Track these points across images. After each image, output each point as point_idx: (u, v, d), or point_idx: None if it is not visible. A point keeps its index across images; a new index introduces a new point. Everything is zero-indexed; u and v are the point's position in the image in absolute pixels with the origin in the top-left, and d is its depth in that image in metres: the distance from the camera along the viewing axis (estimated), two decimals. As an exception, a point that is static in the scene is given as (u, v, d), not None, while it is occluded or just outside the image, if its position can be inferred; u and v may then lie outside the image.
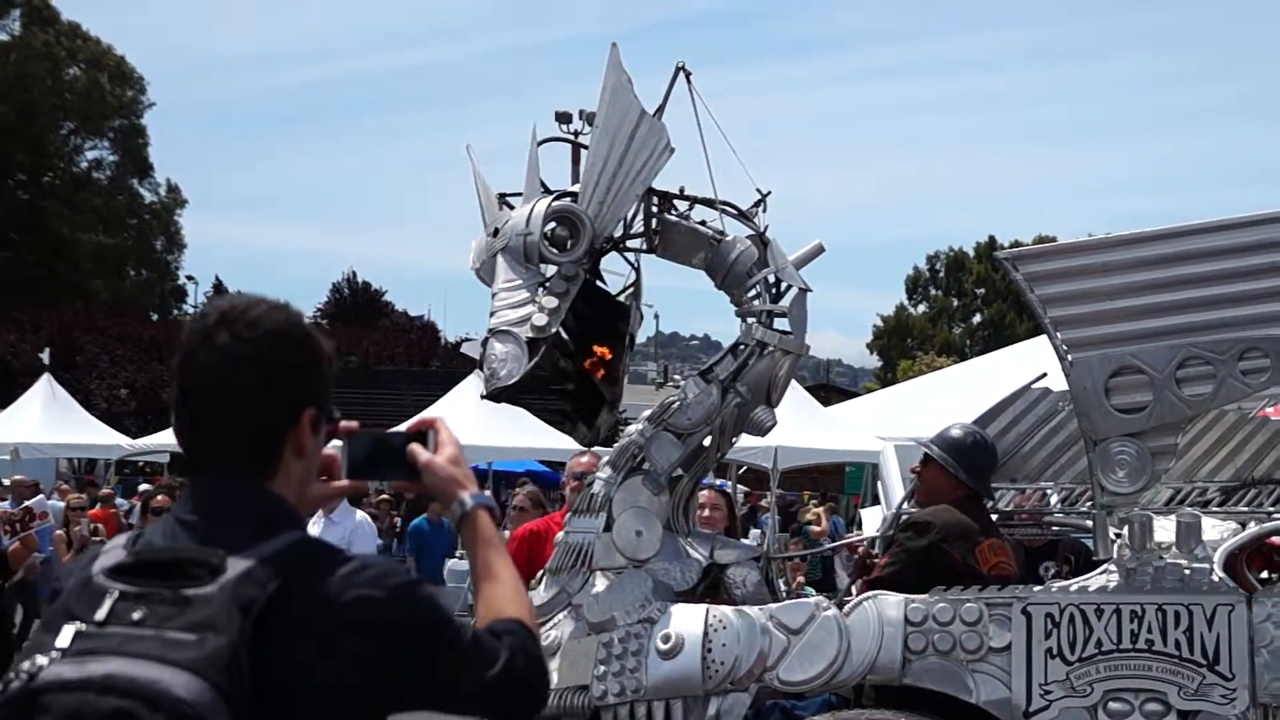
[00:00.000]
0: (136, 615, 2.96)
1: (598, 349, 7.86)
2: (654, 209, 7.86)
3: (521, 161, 7.95)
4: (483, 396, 7.93)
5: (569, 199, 7.68)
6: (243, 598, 2.96)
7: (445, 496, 3.55)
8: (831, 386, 69.78)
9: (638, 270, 8.03)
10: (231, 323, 3.17)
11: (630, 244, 8.01)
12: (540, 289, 7.60)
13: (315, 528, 14.35)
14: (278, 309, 3.25)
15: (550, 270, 7.62)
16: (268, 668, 2.96)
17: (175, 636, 2.91)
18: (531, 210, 7.66)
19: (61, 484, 30.26)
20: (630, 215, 7.84)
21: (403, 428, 3.71)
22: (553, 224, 7.61)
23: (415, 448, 3.56)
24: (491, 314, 7.65)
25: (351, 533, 14.01)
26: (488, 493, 3.64)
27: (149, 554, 3.10)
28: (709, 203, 7.88)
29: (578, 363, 7.84)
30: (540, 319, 7.51)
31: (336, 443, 3.52)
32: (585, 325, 7.93)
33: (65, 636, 2.96)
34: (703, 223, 7.87)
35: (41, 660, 2.92)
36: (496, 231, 7.75)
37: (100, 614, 2.97)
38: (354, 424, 3.52)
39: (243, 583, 2.98)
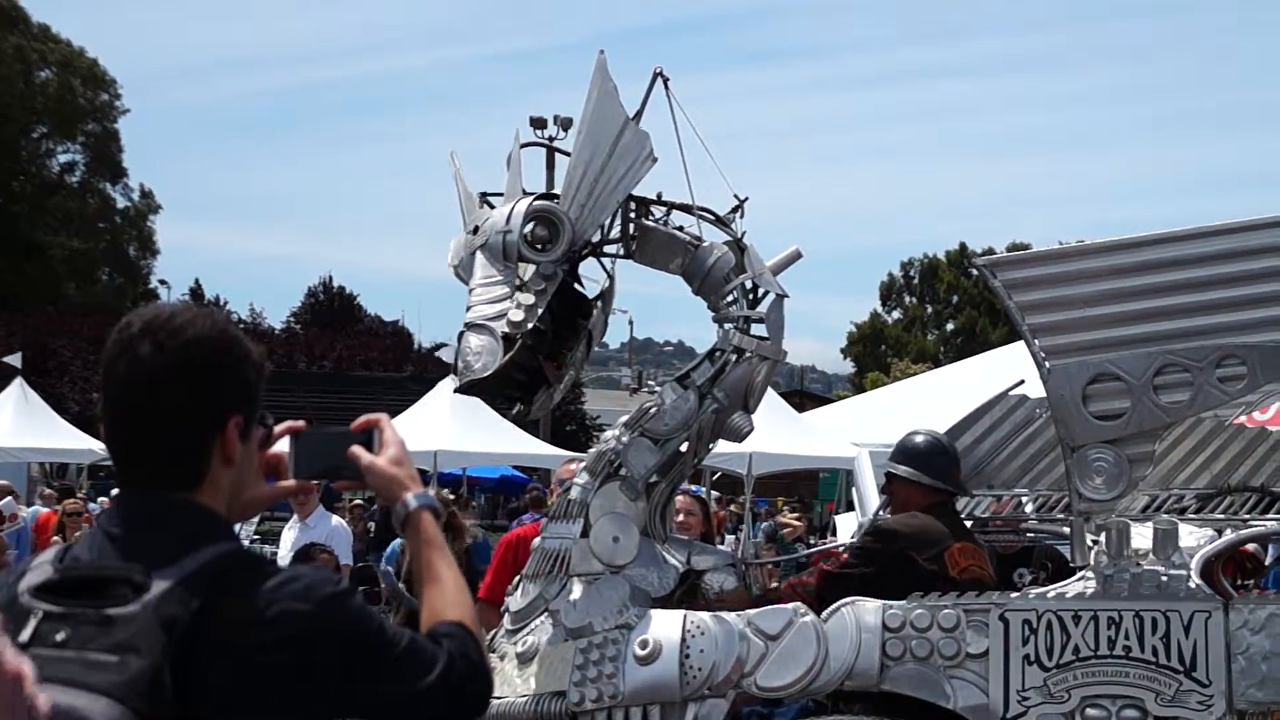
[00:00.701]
0: (60, 636, 2.92)
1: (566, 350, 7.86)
2: (631, 214, 7.84)
3: (498, 167, 7.93)
4: (456, 390, 7.88)
5: (550, 200, 7.65)
6: (166, 616, 2.93)
7: (388, 497, 3.53)
8: (806, 393, 69.94)
9: (612, 277, 7.99)
10: (154, 332, 3.14)
11: (607, 249, 7.97)
12: (518, 287, 7.56)
13: (291, 532, 14.28)
14: (202, 316, 3.22)
15: (527, 270, 7.58)
16: (193, 687, 2.93)
17: (97, 658, 2.88)
18: (512, 209, 7.63)
19: (44, 489, 30.15)
20: (609, 221, 7.80)
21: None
22: (533, 223, 7.57)
23: (357, 449, 3.54)
24: (468, 309, 7.63)
25: (327, 537, 13.89)
26: (431, 492, 3.63)
27: (74, 571, 3.06)
28: (686, 208, 7.86)
29: (548, 362, 7.79)
30: (517, 315, 7.47)
31: (285, 443, 3.51)
32: (560, 327, 7.90)
33: None
34: (680, 228, 7.85)
35: None
36: (476, 229, 7.71)
37: (24, 635, 2.93)
38: (300, 424, 3.52)
39: (166, 601, 2.95)
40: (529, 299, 7.49)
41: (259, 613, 3.00)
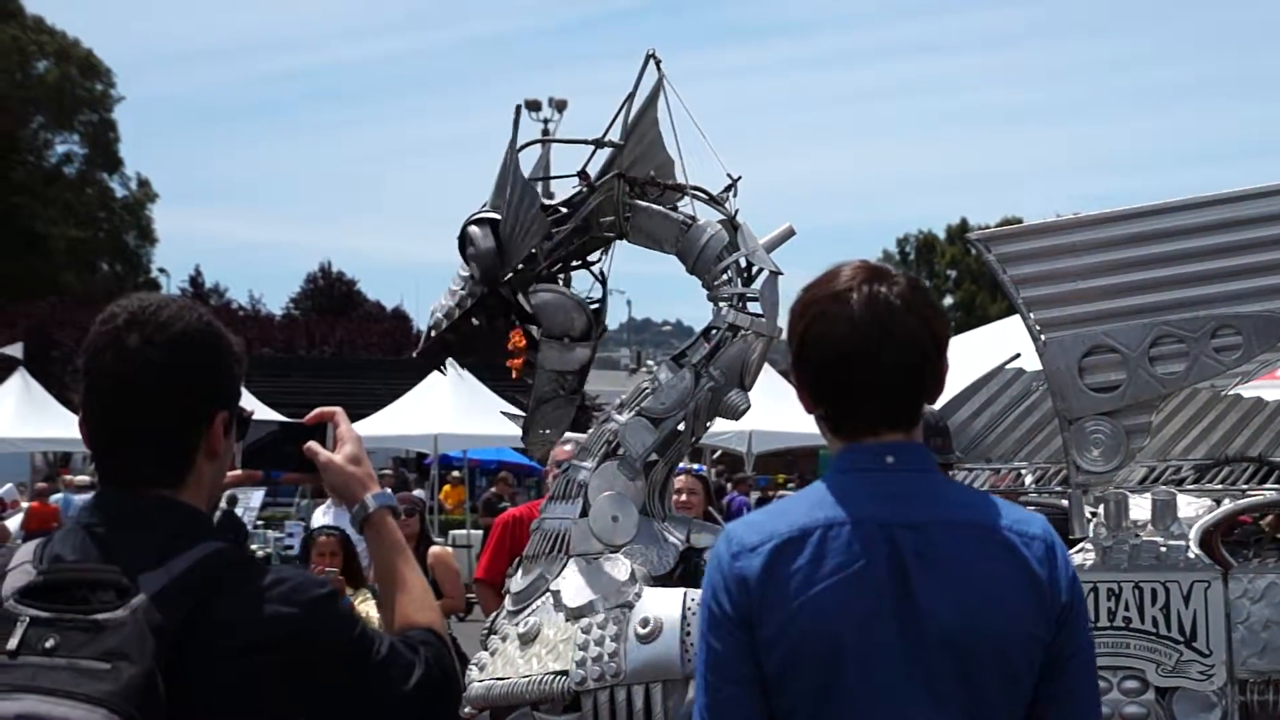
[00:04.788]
0: (49, 644, 2.90)
1: (516, 338, 7.85)
2: (625, 194, 7.83)
3: (484, 151, 7.96)
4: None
5: (488, 224, 7.68)
6: (155, 621, 2.92)
7: (347, 498, 3.51)
8: (805, 370, 69.75)
9: (599, 307, 7.98)
10: (142, 325, 3.12)
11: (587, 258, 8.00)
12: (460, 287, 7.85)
13: (327, 516, 14.18)
14: (188, 309, 3.21)
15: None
16: (184, 690, 2.92)
17: (89, 666, 2.85)
18: (471, 217, 7.78)
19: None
20: (551, 250, 7.77)
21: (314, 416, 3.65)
22: (466, 244, 7.69)
23: (314, 446, 3.52)
24: None
25: None
26: (389, 491, 3.60)
27: (58, 574, 3.02)
28: (679, 188, 7.85)
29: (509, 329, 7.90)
30: (434, 318, 7.92)
31: None
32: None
33: None
34: (673, 208, 7.84)
35: None
36: None
37: (12, 643, 2.91)
38: (250, 411, 3.46)
39: (155, 605, 2.93)
40: (446, 306, 7.86)
41: (247, 614, 3.01)
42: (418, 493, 29.09)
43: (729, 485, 31.92)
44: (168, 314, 3.15)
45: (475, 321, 7.83)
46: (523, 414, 7.95)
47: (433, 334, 7.86)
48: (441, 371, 8.40)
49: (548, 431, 7.99)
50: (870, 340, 3.32)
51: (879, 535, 3.28)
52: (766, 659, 3.26)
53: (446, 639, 3.38)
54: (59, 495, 29.43)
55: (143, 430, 3.13)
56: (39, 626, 2.93)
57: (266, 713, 3.03)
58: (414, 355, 8.32)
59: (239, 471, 3.50)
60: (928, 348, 3.38)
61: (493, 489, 34.38)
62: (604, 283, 7.99)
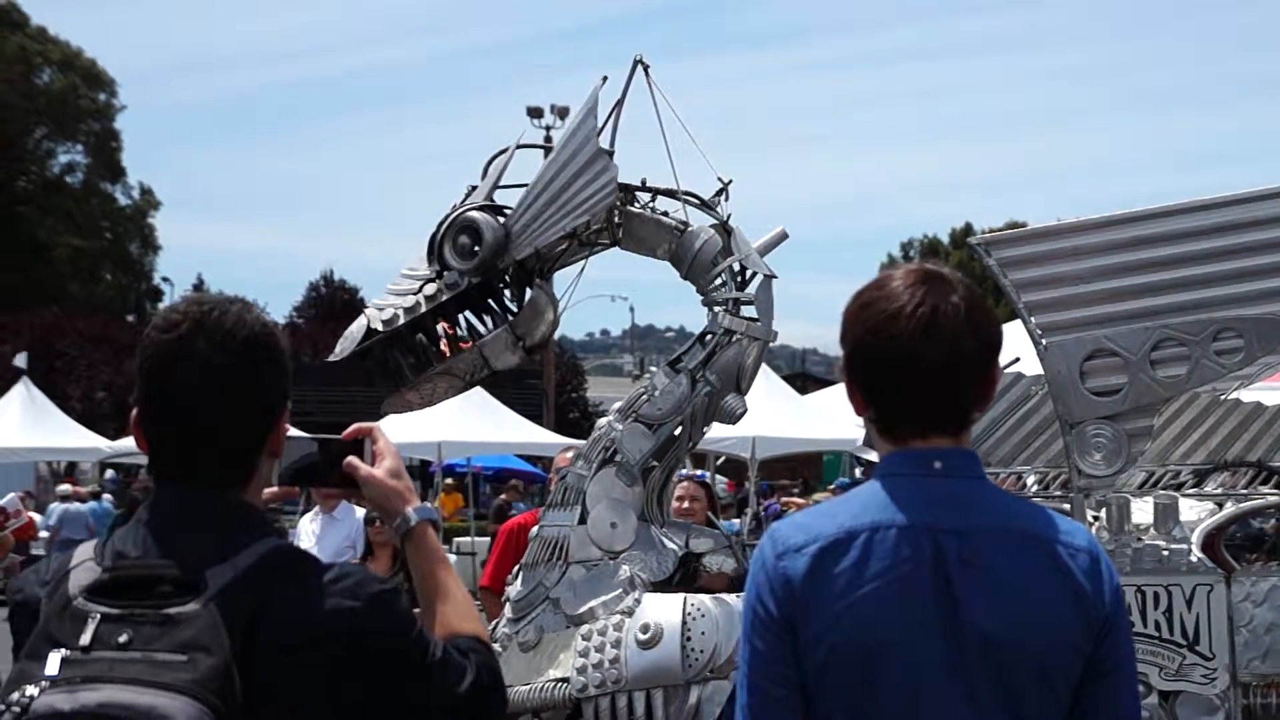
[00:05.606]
0: (122, 638, 2.91)
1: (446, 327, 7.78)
2: (617, 201, 7.81)
3: (487, 158, 7.91)
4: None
5: (492, 213, 7.61)
6: (228, 614, 2.94)
7: (389, 511, 3.52)
8: (808, 375, 69.95)
9: (554, 301, 7.90)
10: (209, 332, 3.13)
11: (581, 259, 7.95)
12: (424, 283, 7.63)
13: (314, 524, 14.17)
14: (247, 310, 3.22)
15: (449, 273, 7.61)
16: (255, 683, 2.93)
17: (164, 658, 2.88)
18: (453, 211, 7.65)
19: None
20: (551, 245, 7.73)
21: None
22: (462, 232, 7.55)
23: (354, 461, 3.53)
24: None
25: (356, 531, 13.80)
26: (429, 504, 3.60)
27: (125, 571, 3.03)
28: (671, 194, 7.83)
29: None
30: (387, 314, 7.57)
31: None
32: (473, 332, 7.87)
33: (53, 664, 2.90)
34: (665, 213, 7.83)
35: (32, 690, 2.86)
36: None
37: (85, 639, 2.93)
38: (286, 427, 3.46)
39: (225, 598, 2.95)
40: (409, 301, 7.59)
41: (311, 608, 3.03)
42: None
43: (772, 492, 31.78)
44: (232, 319, 3.16)
45: (450, 314, 7.73)
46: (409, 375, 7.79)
47: (380, 330, 7.58)
48: (382, 373, 7.95)
49: (412, 399, 7.88)
50: (922, 345, 3.30)
51: (924, 540, 3.26)
52: (808, 661, 3.25)
53: (492, 648, 3.39)
54: (57, 505, 29.44)
55: (213, 435, 3.15)
56: (110, 623, 2.94)
57: (326, 706, 3.04)
58: (330, 360, 7.94)
59: (276, 489, 3.51)
60: (979, 354, 3.37)
61: (503, 496, 34.34)
62: (557, 314, 7.94)
